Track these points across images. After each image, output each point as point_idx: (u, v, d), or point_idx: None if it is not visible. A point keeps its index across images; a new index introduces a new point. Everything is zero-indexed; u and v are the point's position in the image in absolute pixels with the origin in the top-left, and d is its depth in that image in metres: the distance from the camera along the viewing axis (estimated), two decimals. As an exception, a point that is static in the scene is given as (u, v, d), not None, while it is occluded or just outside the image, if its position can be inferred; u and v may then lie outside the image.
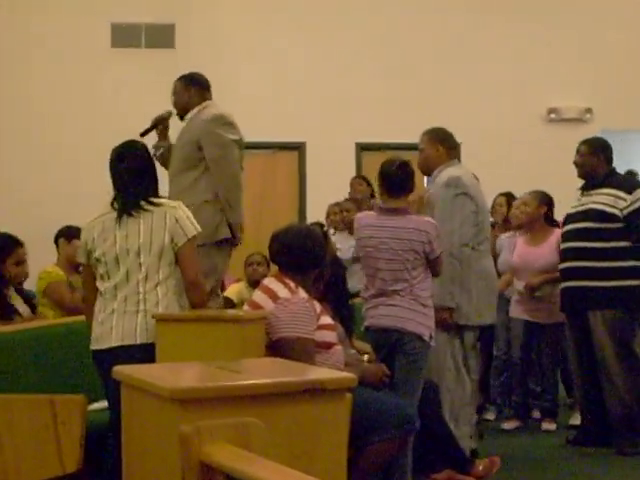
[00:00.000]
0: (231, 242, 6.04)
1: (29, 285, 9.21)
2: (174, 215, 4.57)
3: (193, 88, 6.10)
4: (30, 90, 11.47)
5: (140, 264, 4.56)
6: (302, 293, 4.79)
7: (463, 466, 5.67)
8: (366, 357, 5.70)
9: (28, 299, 6.27)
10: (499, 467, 5.74)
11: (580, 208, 6.81)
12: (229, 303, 7.96)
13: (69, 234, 6.74)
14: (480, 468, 5.68)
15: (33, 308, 6.23)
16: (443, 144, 6.20)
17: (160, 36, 11.77)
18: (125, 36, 11.73)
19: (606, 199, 6.67)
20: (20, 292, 6.23)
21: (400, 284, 5.45)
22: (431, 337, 5.50)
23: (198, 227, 4.66)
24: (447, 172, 6.05)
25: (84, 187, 10.74)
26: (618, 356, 6.58)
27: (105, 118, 11.01)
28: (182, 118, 6.18)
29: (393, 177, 5.58)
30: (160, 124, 6.19)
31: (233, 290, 8.28)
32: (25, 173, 11.37)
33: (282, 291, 4.74)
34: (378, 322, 5.52)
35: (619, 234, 6.63)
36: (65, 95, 11.48)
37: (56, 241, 6.81)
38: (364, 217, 5.77)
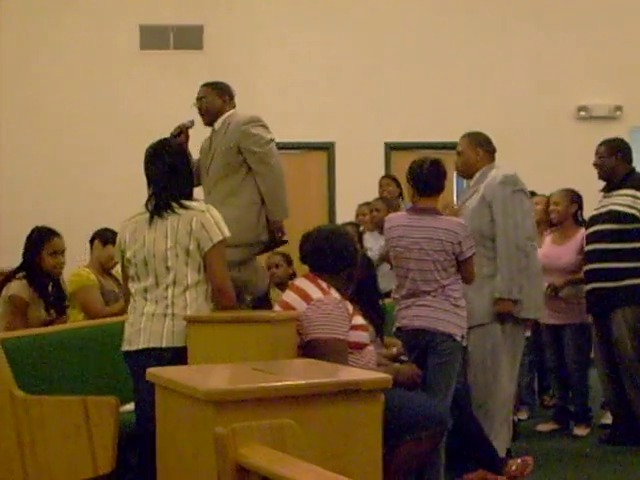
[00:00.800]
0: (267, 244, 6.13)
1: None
2: (200, 220, 4.55)
3: (226, 96, 6.11)
4: (58, 92, 11.51)
5: (167, 268, 4.56)
6: (335, 294, 4.77)
7: (496, 466, 5.65)
8: (395, 350, 5.70)
9: (60, 298, 6.27)
10: (532, 467, 5.71)
11: (602, 210, 6.85)
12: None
13: (105, 237, 6.71)
14: (513, 468, 5.65)
15: (62, 308, 6.23)
16: (483, 148, 6.18)
17: (188, 37, 11.77)
18: (153, 38, 11.75)
19: (625, 200, 6.69)
20: (59, 289, 6.24)
21: (431, 284, 5.43)
22: (463, 337, 5.49)
23: (226, 232, 4.63)
24: (496, 171, 6.06)
25: (113, 188, 10.78)
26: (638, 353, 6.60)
27: (134, 120, 11.03)
28: (210, 124, 6.18)
29: (423, 177, 5.57)
30: (182, 133, 6.16)
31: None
32: (52, 174, 11.40)
33: (315, 292, 4.72)
34: (410, 323, 5.50)
35: (638, 235, 6.65)
36: (94, 97, 11.51)
37: (91, 242, 6.79)
38: (395, 217, 5.76)
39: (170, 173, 4.68)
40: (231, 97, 6.18)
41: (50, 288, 6.17)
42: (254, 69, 11.50)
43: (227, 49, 11.56)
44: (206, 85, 6.21)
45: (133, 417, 4.68)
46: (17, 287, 5.99)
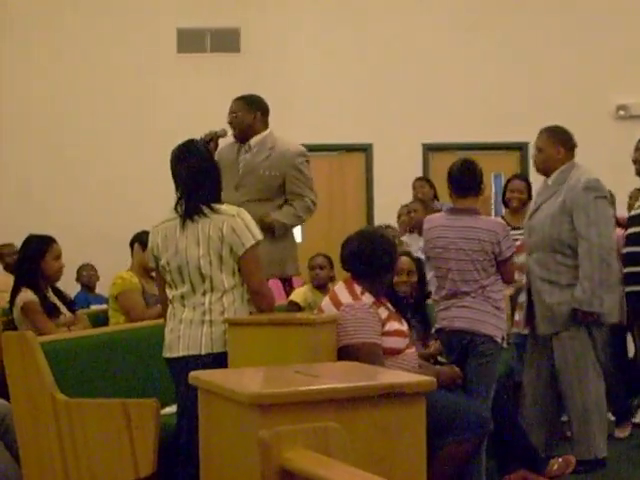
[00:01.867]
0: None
1: (101, 289, 9.32)
2: (231, 224, 4.52)
3: (257, 112, 6.08)
4: (95, 95, 11.56)
5: (202, 275, 4.54)
6: (366, 299, 4.75)
7: (537, 465, 5.60)
8: (432, 348, 5.67)
9: (65, 300, 6.30)
10: (574, 467, 5.66)
11: (639, 210, 6.68)
12: (295, 307, 7.92)
13: (144, 240, 6.71)
14: (555, 468, 5.61)
15: (71, 309, 6.23)
16: (564, 145, 6.11)
17: (225, 40, 11.80)
18: (190, 41, 11.78)
19: None
20: (57, 293, 6.24)
21: (470, 285, 5.40)
22: (503, 339, 5.45)
23: (258, 235, 4.60)
24: (577, 172, 6.00)
25: (151, 191, 10.81)
26: None
27: (171, 123, 11.03)
28: (240, 140, 6.18)
29: (459, 177, 5.54)
30: (213, 141, 6.13)
31: (298, 293, 8.22)
32: (90, 174, 11.45)
33: (345, 297, 4.73)
34: (450, 324, 5.47)
35: None
36: (131, 101, 11.56)
37: (131, 245, 6.80)
38: (434, 218, 5.75)
39: (199, 175, 4.64)
40: (263, 112, 6.14)
41: (51, 293, 6.17)
42: (291, 71, 11.50)
43: (264, 51, 11.56)
44: (238, 99, 6.18)
45: (174, 420, 4.69)
46: (25, 296, 5.99)
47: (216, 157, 6.13)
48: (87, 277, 9.85)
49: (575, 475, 5.69)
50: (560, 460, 5.66)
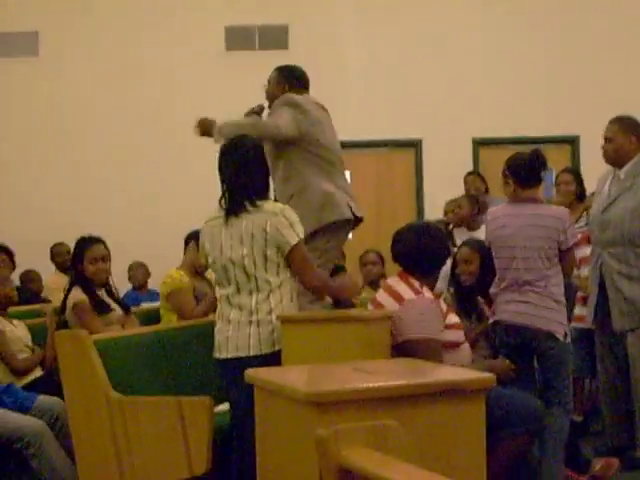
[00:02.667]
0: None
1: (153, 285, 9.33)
2: (275, 224, 4.48)
3: (286, 85, 5.83)
4: (144, 93, 11.59)
5: (247, 275, 4.52)
6: (427, 293, 4.72)
7: (579, 466, 5.54)
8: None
9: (119, 300, 6.30)
10: (617, 468, 5.59)
11: None
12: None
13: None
14: (597, 468, 5.55)
15: (125, 309, 6.24)
16: (636, 134, 6.02)
17: (273, 37, 11.78)
18: (239, 38, 11.78)
19: None
20: (110, 294, 6.25)
21: (533, 273, 5.33)
22: (566, 335, 5.38)
23: (301, 233, 4.56)
24: None
25: (202, 187, 10.83)
26: None
27: (220, 119, 11.04)
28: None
29: (524, 168, 5.47)
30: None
31: (353, 291, 8.21)
32: (143, 172, 11.51)
33: (407, 292, 4.69)
34: (511, 318, 5.39)
35: None
36: (180, 99, 11.57)
37: (186, 243, 6.78)
38: (496, 209, 5.67)
39: (242, 170, 4.61)
40: (295, 85, 5.80)
41: (102, 292, 6.17)
42: (339, 67, 11.46)
43: (312, 48, 11.52)
44: (276, 69, 6.00)
45: (227, 417, 4.68)
46: (76, 295, 6.00)
47: None
48: (137, 275, 9.87)
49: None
50: (603, 461, 5.59)
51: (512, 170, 5.51)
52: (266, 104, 6.02)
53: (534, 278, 5.33)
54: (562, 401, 5.28)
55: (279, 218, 4.50)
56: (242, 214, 4.53)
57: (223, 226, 4.58)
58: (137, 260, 10.00)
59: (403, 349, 4.49)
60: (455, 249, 6.56)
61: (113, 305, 6.11)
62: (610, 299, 5.91)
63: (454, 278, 5.92)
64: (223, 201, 4.63)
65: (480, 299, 5.78)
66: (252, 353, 4.47)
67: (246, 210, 4.52)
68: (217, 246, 4.60)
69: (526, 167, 5.47)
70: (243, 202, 4.54)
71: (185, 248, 6.78)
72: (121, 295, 7.46)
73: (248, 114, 5.98)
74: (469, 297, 5.82)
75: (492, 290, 5.58)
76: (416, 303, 4.62)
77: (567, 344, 5.40)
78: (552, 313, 5.32)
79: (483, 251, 5.79)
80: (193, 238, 6.59)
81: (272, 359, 4.41)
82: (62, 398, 5.03)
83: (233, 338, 4.52)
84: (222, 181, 4.70)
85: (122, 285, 6.81)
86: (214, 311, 6.04)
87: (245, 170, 4.61)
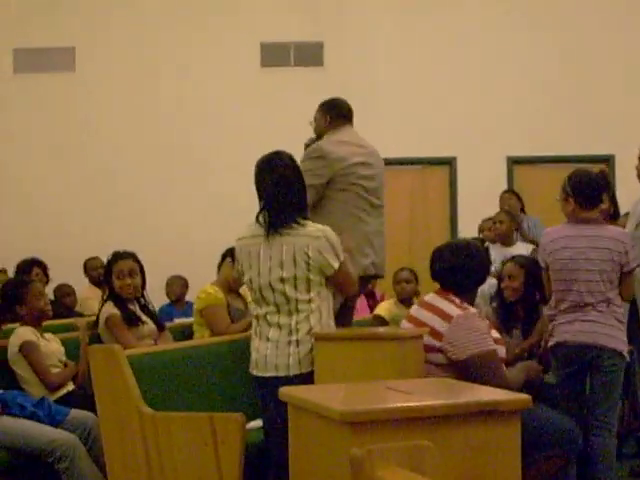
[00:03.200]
0: None
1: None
2: (317, 247, 4.48)
3: (328, 116, 5.83)
4: (179, 109, 11.64)
5: (287, 298, 4.51)
6: (471, 308, 4.71)
7: None
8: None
9: (154, 316, 6.32)
10: None
11: None
12: (380, 321, 7.88)
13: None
14: None
15: (159, 326, 6.25)
16: None
17: (309, 54, 11.81)
18: (274, 55, 11.81)
19: None
20: (144, 308, 6.26)
21: (595, 296, 5.28)
22: (627, 353, 5.36)
23: (341, 254, 4.58)
24: None
25: (237, 204, 10.86)
26: None
27: (255, 136, 11.05)
28: None
29: (590, 188, 5.40)
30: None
31: (383, 307, 8.19)
32: (173, 188, 11.55)
33: (452, 309, 4.65)
34: (574, 338, 5.32)
35: None
36: (216, 115, 11.62)
37: (223, 258, 6.78)
38: (555, 230, 5.54)
39: (282, 185, 4.58)
40: (333, 116, 5.78)
41: (135, 306, 6.18)
42: (374, 84, 11.46)
43: (347, 65, 11.55)
44: (320, 105, 6.04)
45: (259, 434, 4.66)
46: (108, 309, 6.04)
47: None
48: (174, 289, 9.86)
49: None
50: None
51: (575, 189, 5.41)
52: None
53: (596, 301, 5.28)
54: (610, 422, 5.24)
55: (321, 241, 4.50)
56: (284, 233, 4.50)
57: (263, 245, 4.54)
58: (175, 274, 9.99)
59: (467, 366, 4.48)
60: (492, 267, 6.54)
61: (145, 319, 6.13)
62: None
63: (498, 293, 5.91)
64: (261, 217, 4.59)
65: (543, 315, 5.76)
66: (292, 373, 4.47)
67: (290, 228, 4.50)
68: (255, 266, 4.57)
69: (591, 187, 5.39)
70: (286, 220, 4.51)
71: (220, 264, 6.77)
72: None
73: (305, 146, 5.96)
74: (511, 313, 5.80)
75: (549, 312, 5.52)
76: (466, 318, 4.60)
77: (626, 363, 5.37)
78: (615, 331, 5.28)
79: (529, 267, 5.76)
80: (229, 254, 6.59)
81: (311, 378, 4.42)
82: (94, 412, 5.03)
83: (272, 357, 4.52)
84: (260, 197, 4.67)
85: (160, 300, 6.81)
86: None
87: (285, 186, 4.58)
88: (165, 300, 9.68)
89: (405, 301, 8.02)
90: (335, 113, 5.81)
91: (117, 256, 6.21)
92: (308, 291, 4.52)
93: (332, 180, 5.47)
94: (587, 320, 5.29)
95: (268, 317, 4.56)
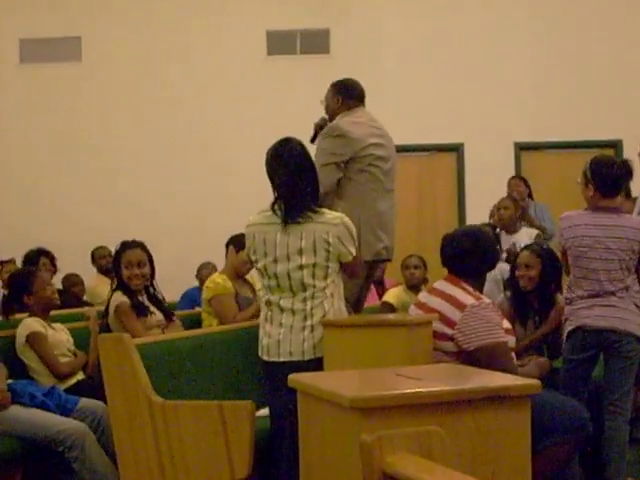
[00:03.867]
0: None
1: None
2: (337, 234, 4.49)
3: (340, 97, 5.84)
4: (185, 98, 11.63)
5: (304, 284, 4.51)
6: (485, 298, 4.69)
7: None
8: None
9: (163, 307, 6.28)
10: None
11: None
12: (389, 308, 7.88)
13: (240, 243, 6.66)
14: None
15: (167, 315, 6.22)
16: None
17: (315, 42, 11.78)
18: (280, 43, 11.79)
19: None
20: (153, 299, 6.25)
21: (615, 284, 5.28)
22: None
23: (356, 242, 4.62)
24: None
25: (239, 189, 10.88)
26: None
27: (261, 125, 11.05)
28: None
29: (613, 177, 5.37)
30: (317, 132, 6.03)
31: (392, 294, 8.19)
32: (181, 176, 11.56)
33: (466, 298, 4.63)
34: (594, 323, 5.30)
35: None
36: (221, 103, 11.61)
37: (227, 247, 6.77)
38: (574, 216, 5.48)
39: (298, 175, 4.57)
40: (348, 96, 5.80)
41: (143, 297, 6.17)
42: (381, 71, 11.42)
43: (353, 52, 11.51)
44: (330, 85, 6.04)
45: (268, 422, 4.67)
46: (117, 298, 6.02)
47: None
48: (202, 274, 9.77)
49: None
50: None
51: (597, 176, 5.37)
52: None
53: (616, 289, 5.28)
54: (624, 408, 5.24)
55: (340, 228, 4.52)
56: (301, 221, 4.50)
57: (280, 232, 4.53)
58: (207, 261, 9.90)
59: (475, 356, 4.46)
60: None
61: (153, 309, 6.12)
62: None
63: (512, 282, 5.88)
64: (276, 206, 4.58)
65: (560, 302, 5.75)
66: (306, 357, 4.49)
67: (307, 216, 4.50)
68: (271, 253, 4.55)
69: (614, 176, 5.35)
70: (302, 208, 4.51)
71: (226, 252, 6.76)
72: (182, 292, 7.47)
73: (315, 127, 5.96)
74: (526, 302, 5.78)
75: (566, 295, 5.50)
76: (481, 307, 4.57)
77: None
78: (635, 316, 5.29)
79: (546, 257, 5.75)
80: (232, 242, 6.60)
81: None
82: (104, 401, 5.04)
83: (286, 342, 4.52)
84: (273, 186, 4.66)
85: (166, 290, 6.79)
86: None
87: (299, 175, 4.58)
88: (176, 289, 9.63)
89: (414, 287, 8.01)
90: (347, 94, 5.83)
91: (125, 246, 6.18)
92: (325, 278, 4.53)
93: (351, 160, 5.48)
94: (607, 305, 5.28)
95: (281, 303, 4.56)
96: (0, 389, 5.27)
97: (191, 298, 8.82)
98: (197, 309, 7.27)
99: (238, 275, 6.61)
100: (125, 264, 6.10)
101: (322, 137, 5.59)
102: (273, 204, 4.60)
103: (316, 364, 4.43)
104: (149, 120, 11.66)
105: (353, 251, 4.54)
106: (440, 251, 4.93)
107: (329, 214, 4.57)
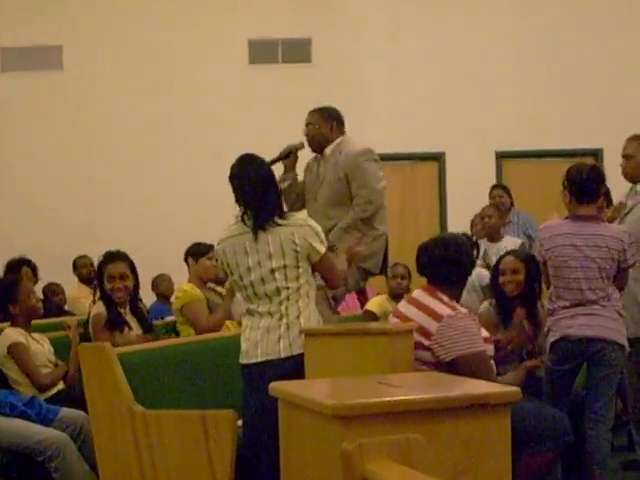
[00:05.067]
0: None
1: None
2: (302, 235, 4.54)
3: (333, 122, 6.02)
4: (167, 107, 11.62)
5: (278, 288, 4.55)
6: (461, 307, 4.68)
7: None
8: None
9: (143, 319, 6.29)
10: None
11: None
12: (372, 316, 7.87)
13: (196, 253, 6.74)
14: None
15: (147, 328, 6.24)
16: None
17: (297, 51, 11.81)
18: (262, 52, 11.81)
19: None
20: (135, 312, 6.25)
21: (597, 293, 5.31)
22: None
23: (324, 240, 4.66)
24: None
25: (222, 198, 10.85)
26: None
27: (243, 133, 11.05)
28: (315, 151, 6.15)
29: (584, 183, 5.39)
30: (292, 154, 6.14)
31: (375, 303, 8.18)
32: (155, 189, 11.55)
33: (441, 308, 4.60)
34: (578, 332, 5.32)
35: None
36: (202, 112, 11.61)
37: (185, 260, 6.82)
38: (554, 226, 5.52)
39: (262, 187, 4.63)
40: (339, 123, 6.10)
41: (126, 309, 6.17)
42: (363, 81, 11.46)
43: (335, 61, 11.54)
44: (314, 111, 6.13)
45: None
46: (97, 309, 6.05)
47: (305, 171, 6.19)
48: (162, 288, 9.81)
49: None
50: None
51: (569, 182, 5.44)
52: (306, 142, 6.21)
53: (597, 297, 5.32)
54: (607, 416, 5.25)
55: (305, 229, 4.56)
56: (268, 228, 4.55)
57: (248, 242, 4.59)
58: (161, 273, 9.95)
59: (454, 366, 4.42)
60: (478, 261, 6.53)
61: (132, 324, 6.11)
62: (624, 306, 5.86)
63: (496, 288, 5.89)
64: (246, 216, 4.63)
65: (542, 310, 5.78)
66: (283, 355, 4.51)
67: (274, 224, 4.55)
68: (243, 263, 4.61)
69: (582, 181, 5.38)
70: (270, 217, 4.57)
71: (187, 266, 6.81)
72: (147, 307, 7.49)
73: (287, 150, 6.10)
74: (511, 308, 5.79)
75: (548, 306, 5.52)
76: (457, 318, 4.54)
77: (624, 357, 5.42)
78: (617, 324, 5.33)
79: (529, 261, 5.77)
80: (189, 254, 6.72)
81: (302, 360, 4.45)
82: (85, 411, 5.03)
83: (263, 343, 4.56)
84: (238, 199, 4.71)
85: (148, 298, 6.83)
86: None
87: (264, 186, 4.65)
88: (152, 298, 9.63)
89: (397, 297, 7.98)
90: (339, 121, 6.11)
91: (108, 259, 6.17)
92: (297, 279, 4.57)
93: None
94: (590, 314, 5.31)
95: (260, 309, 4.61)
96: None
97: (156, 313, 8.74)
98: (168, 318, 7.26)
99: (204, 282, 6.67)
100: (108, 277, 6.10)
101: (367, 161, 6.00)
102: (242, 216, 4.65)
103: (294, 363, 4.45)
104: (130, 129, 11.65)
105: (321, 249, 4.57)
106: (416, 260, 4.94)
107: (292, 217, 4.65)
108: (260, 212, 4.59)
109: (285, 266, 4.53)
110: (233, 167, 4.77)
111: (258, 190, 4.61)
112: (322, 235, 4.63)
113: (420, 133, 11.54)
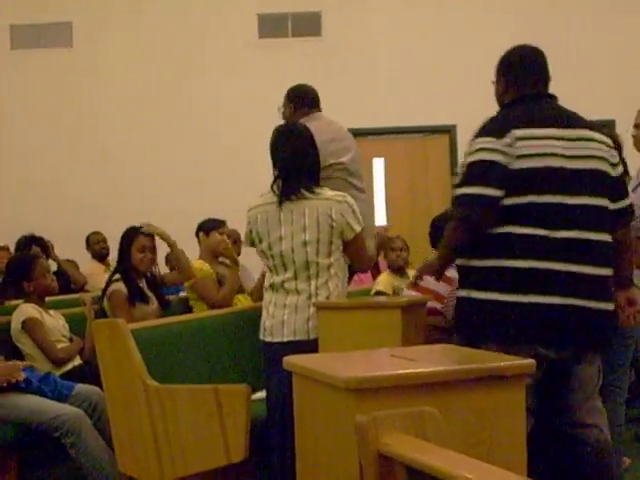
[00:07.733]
0: None
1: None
2: (340, 211, 4.50)
3: (292, 104, 5.72)
4: (177, 83, 11.62)
5: (307, 262, 4.52)
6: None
7: None
8: None
9: (160, 294, 6.39)
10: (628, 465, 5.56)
11: None
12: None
13: (207, 227, 6.75)
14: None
15: (163, 303, 6.34)
16: None
17: (306, 25, 11.78)
18: (272, 26, 11.78)
19: None
20: (152, 286, 6.32)
21: None
22: None
23: (361, 220, 4.61)
24: None
25: (232, 175, 10.87)
26: None
27: (253, 109, 11.02)
28: None
29: None
30: None
31: (382, 282, 8.13)
32: (171, 160, 11.56)
33: (452, 272, 4.59)
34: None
35: None
36: (212, 87, 11.59)
37: (197, 235, 6.83)
38: None
39: (300, 157, 4.60)
40: (298, 104, 5.68)
41: (143, 284, 6.24)
42: (372, 53, 11.43)
43: (345, 34, 11.50)
44: (285, 93, 5.94)
45: (264, 405, 4.67)
46: (114, 286, 6.10)
47: None
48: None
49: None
50: None
51: None
52: None
53: None
54: (622, 387, 5.24)
55: (343, 205, 4.52)
56: (299, 199, 4.52)
57: (283, 211, 4.55)
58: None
59: None
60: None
61: (150, 297, 6.17)
62: None
63: None
64: (275, 186, 4.61)
65: None
66: (311, 337, 4.49)
67: (304, 196, 4.52)
68: (274, 231, 4.56)
69: None
70: (299, 188, 4.53)
71: (198, 241, 6.83)
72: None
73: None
74: None
75: None
76: None
77: None
78: None
79: None
80: (200, 229, 6.73)
81: None
82: (100, 387, 5.05)
83: (291, 322, 4.52)
84: (274, 165, 4.70)
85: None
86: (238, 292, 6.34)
87: (301, 154, 4.62)
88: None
89: (398, 270, 7.96)
90: (299, 102, 5.72)
91: (137, 230, 6.32)
92: (329, 256, 4.53)
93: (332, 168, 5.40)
94: None
95: (285, 285, 4.57)
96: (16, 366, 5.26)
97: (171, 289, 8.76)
98: (182, 294, 7.28)
99: (215, 256, 6.68)
100: (138, 247, 6.22)
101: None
102: (272, 184, 4.63)
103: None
104: (140, 105, 11.65)
105: (357, 227, 4.54)
106: (430, 234, 4.93)
107: (332, 192, 4.60)
108: (291, 182, 4.56)
109: (318, 240, 4.49)
110: (276, 132, 4.75)
111: (296, 159, 4.59)
112: (359, 214, 4.59)
113: (431, 106, 11.50)
